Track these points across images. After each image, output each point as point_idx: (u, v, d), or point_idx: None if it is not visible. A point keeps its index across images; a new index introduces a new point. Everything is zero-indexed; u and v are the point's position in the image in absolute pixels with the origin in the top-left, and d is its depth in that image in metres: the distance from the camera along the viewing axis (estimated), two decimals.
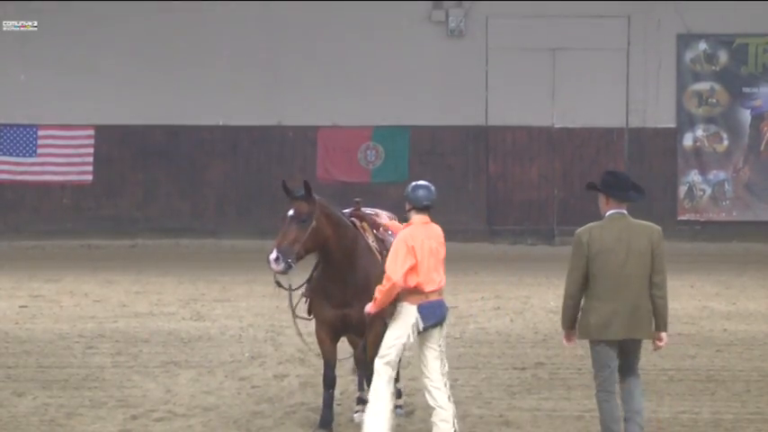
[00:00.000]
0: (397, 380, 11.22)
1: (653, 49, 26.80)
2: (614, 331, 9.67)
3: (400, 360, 10.92)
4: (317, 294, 10.73)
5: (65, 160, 27.07)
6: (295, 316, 10.93)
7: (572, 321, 9.82)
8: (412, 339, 10.08)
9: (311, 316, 10.90)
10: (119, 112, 26.76)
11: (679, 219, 26.75)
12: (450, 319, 10.35)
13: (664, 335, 9.79)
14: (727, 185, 26.93)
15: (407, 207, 10.30)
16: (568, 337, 9.96)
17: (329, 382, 10.77)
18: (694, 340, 15.36)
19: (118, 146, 27.14)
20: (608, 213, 9.83)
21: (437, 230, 10.27)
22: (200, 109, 26.80)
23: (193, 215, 27.24)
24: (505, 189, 27.06)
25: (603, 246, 9.65)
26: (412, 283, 9.96)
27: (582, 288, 9.72)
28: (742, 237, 26.48)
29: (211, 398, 12.30)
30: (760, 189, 26.99)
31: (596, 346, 9.78)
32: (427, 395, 10.12)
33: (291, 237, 10.33)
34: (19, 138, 26.95)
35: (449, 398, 10.13)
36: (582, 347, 10.06)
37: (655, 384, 12.76)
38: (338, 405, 11.21)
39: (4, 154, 27.02)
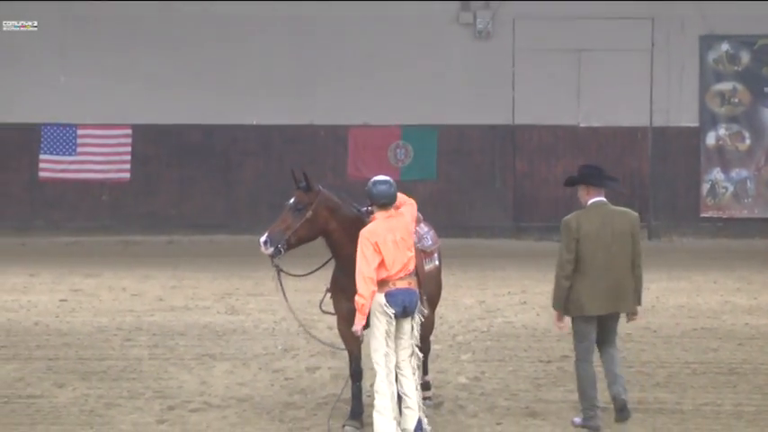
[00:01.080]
0: (425, 372, 11.53)
1: (676, 49, 26.69)
2: (601, 306, 10.38)
3: (425, 354, 11.22)
4: (335, 288, 10.76)
5: (103, 159, 27.12)
6: (290, 305, 11.10)
7: (564, 301, 10.43)
8: (390, 326, 10.13)
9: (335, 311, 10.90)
10: (155, 111, 26.87)
11: (702, 216, 26.57)
12: (421, 309, 10.32)
13: (638, 308, 10.66)
14: (749, 183, 26.78)
15: (369, 202, 10.41)
16: (560, 318, 10.56)
17: (356, 375, 10.78)
18: (717, 334, 15.41)
19: (154, 145, 27.24)
20: (590, 202, 10.49)
21: (402, 220, 10.29)
22: (234, 109, 26.87)
23: (228, 212, 27.28)
24: (532, 187, 27.03)
25: (591, 229, 10.32)
26: (380, 276, 10.08)
27: (573, 269, 10.35)
28: (764, 233, 26.41)
29: (245, 389, 12.40)
30: None
31: (581, 321, 10.43)
32: (397, 383, 10.29)
33: (285, 224, 10.55)
34: (59, 137, 27.02)
35: (417, 386, 10.32)
36: None
37: (678, 377, 12.86)
38: (368, 396, 11.11)
39: (46, 153, 27.11)
